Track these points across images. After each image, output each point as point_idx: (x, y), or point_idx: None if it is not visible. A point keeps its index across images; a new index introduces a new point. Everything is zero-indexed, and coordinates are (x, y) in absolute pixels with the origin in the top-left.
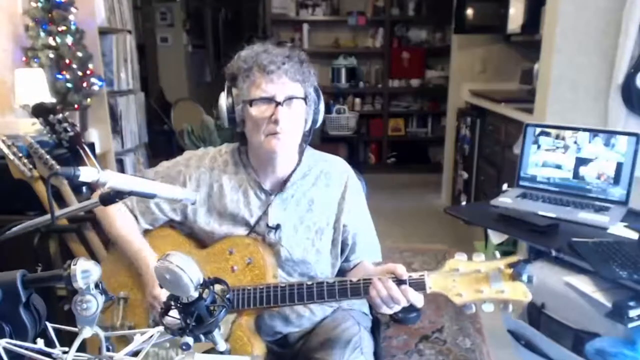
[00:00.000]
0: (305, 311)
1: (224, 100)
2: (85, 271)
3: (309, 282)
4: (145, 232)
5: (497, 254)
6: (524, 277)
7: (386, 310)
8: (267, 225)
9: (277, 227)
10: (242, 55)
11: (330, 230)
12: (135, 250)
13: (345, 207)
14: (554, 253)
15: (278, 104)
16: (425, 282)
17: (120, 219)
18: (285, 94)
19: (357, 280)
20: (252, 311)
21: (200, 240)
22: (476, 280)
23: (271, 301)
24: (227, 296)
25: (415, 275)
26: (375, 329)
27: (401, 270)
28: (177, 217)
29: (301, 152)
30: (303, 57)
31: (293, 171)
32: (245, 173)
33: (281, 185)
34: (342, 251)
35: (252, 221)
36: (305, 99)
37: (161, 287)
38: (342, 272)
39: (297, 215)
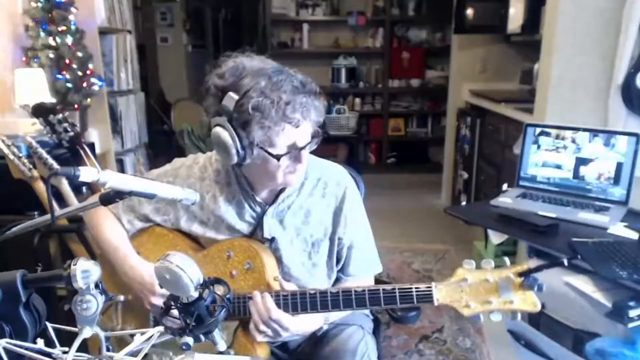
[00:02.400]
0: None
1: (230, 145)
2: (85, 271)
3: (312, 292)
4: (142, 230)
5: (507, 261)
6: (535, 288)
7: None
8: (263, 237)
9: (272, 239)
10: (255, 104)
11: (326, 242)
12: (122, 259)
13: (342, 220)
14: (566, 262)
15: (302, 149)
16: (433, 294)
17: (107, 227)
18: (307, 139)
19: (361, 290)
20: None
21: (197, 240)
22: (485, 290)
23: None
24: (227, 296)
25: (422, 286)
26: (375, 330)
27: None
28: (168, 225)
29: None
30: (307, 80)
31: None
32: (238, 184)
33: (274, 196)
34: (337, 262)
35: (247, 233)
36: (317, 135)
37: (161, 287)
38: (336, 283)
39: (293, 227)
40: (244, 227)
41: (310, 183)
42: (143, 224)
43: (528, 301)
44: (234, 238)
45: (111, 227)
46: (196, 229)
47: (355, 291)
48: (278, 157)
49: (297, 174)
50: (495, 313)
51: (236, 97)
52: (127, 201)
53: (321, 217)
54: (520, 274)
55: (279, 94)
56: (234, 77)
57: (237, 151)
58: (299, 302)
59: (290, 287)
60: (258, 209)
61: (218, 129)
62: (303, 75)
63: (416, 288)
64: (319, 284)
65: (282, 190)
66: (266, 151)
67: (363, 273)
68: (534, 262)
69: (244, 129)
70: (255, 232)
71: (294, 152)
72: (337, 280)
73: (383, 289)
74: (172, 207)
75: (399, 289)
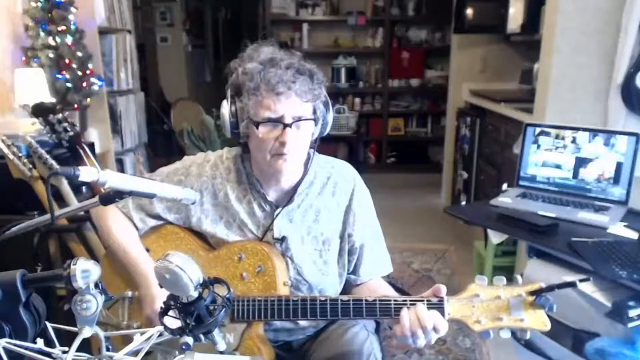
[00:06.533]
0: (312, 323)
1: (227, 111)
2: (85, 271)
3: (323, 298)
4: (154, 228)
5: (519, 279)
6: (547, 308)
7: (409, 343)
8: (273, 237)
9: (284, 239)
10: (247, 70)
11: (337, 240)
12: (132, 264)
13: (351, 217)
14: (578, 284)
15: (286, 126)
16: (445, 308)
17: (118, 228)
18: (294, 115)
19: (373, 300)
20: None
21: (208, 241)
22: (496, 307)
23: (283, 315)
24: (228, 296)
25: (434, 300)
26: (377, 329)
27: (444, 289)
28: (180, 224)
29: (307, 161)
30: (314, 70)
31: (299, 182)
32: (249, 183)
33: (287, 197)
34: (348, 262)
35: (259, 233)
36: (315, 120)
37: (161, 287)
38: (348, 284)
39: (304, 226)
40: (255, 227)
41: (319, 182)
42: (156, 222)
43: (539, 320)
44: (245, 241)
45: (122, 229)
46: (207, 227)
47: (367, 301)
48: (257, 124)
49: (285, 158)
50: (505, 330)
51: (240, 68)
52: (137, 201)
53: (332, 216)
54: (532, 293)
55: (270, 57)
56: (248, 56)
57: (232, 124)
58: (309, 308)
59: None
60: (268, 209)
61: (223, 102)
62: (311, 65)
63: (428, 301)
64: (330, 284)
65: (294, 192)
66: (250, 119)
67: (374, 275)
68: (533, 263)
69: (239, 97)
70: (266, 232)
71: (275, 124)
72: (347, 282)
73: (395, 301)
74: (184, 205)
75: (410, 301)
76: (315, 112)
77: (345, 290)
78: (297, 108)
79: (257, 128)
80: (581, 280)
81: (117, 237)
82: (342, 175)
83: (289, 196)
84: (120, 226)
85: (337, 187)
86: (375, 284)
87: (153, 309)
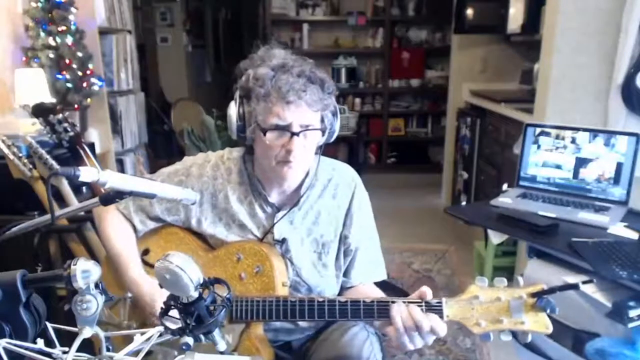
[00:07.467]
0: (311, 323)
1: (234, 113)
2: (85, 271)
3: (320, 299)
4: (154, 228)
5: (520, 280)
6: (548, 310)
7: (405, 343)
8: (274, 239)
9: (283, 240)
10: (258, 74)
11: (336, 242)
12: (123, 268)
13: (349, 220)
14: (581, 286)
15: (294, 134)
16: (443, 309)
17: (115, 232)
18: (301, 124)
19: (370, 302)
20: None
21: (208, 241)
22: (496, 309)
23: (280, 315)
24: (227, 296)
25: (433, 301)
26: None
27: (429, 293)
28: (179, 224)
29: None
30: (325, 79)
31: (301, 184)
32: (250, 184)
33: (288, 198)
34: (343, 264)
35: (259, 234)
36: (322, 130)
37: (161, 287)
38: (340, 287)
39: (304, 228)
40: (255, 227)
41: (320, 184)
42: (155, 224)
43: (540, 323)
44: (244, 241)
45: (118, 233)
46: (207, 227)
47: (364, 302)
48: (265, 131)
49: (291, 166)
50: (505, 333)
51: (250, 70)
52: (137, 202)
53: (331, 218)
54: (533, 295)
55: (282, 62)
56: (259, 58)
57: (238, 127)
58: (307, 309)
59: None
60: (270, 211)
61: (231, 103)
62: (323, 74)
63: (426, 303)
64: (329, 286)
65: (298, 195)
66: (258, 124)
67: (366, 279)
68: (533, 263)
69: (248, 100)
70: (266, 233)
71: (283, 131)
72: (342, 284)
73: (392, 302)
74: (183, 206)
75: (408, 302)
76: (322, 121)
77: (338, 293)
78: (305, 117)
79: (265, 134)
80: (584, 282)
81: (113, 241)
82: (342, 177)
83: (291, 198)
84: (117, 230)
85: (338, 189)
86: (367, 289)
87: (145, 313)
